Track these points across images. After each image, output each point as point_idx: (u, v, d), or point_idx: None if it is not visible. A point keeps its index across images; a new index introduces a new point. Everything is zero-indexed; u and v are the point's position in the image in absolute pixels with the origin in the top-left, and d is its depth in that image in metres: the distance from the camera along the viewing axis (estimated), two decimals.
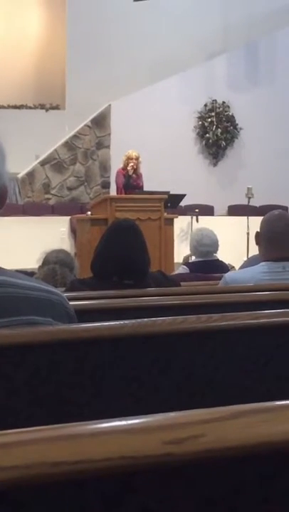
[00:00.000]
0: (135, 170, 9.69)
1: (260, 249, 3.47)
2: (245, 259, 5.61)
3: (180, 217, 9.77)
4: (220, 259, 5.53)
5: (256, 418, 0.82)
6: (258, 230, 3.45)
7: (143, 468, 0.76)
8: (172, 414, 0.81)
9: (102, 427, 0.79)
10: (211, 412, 0.82)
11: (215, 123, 14.18)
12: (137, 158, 9.75)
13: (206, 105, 14.26)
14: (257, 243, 3.48)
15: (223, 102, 14.26)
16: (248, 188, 12.03)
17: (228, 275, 3.58)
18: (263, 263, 3.37)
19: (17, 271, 1.78)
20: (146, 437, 0.77)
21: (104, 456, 0.74)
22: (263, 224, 3.43)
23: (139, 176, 9.80)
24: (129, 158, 9.74)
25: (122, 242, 3.24)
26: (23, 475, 0.72)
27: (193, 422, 0.80)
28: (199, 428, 0.78)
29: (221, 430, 0.79)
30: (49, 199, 13.68)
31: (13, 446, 0.74)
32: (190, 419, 0.80)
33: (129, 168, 9.65)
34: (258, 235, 3.44)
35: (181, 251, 10.17)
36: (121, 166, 9.94)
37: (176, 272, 5.97)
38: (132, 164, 9.64)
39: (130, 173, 9.62)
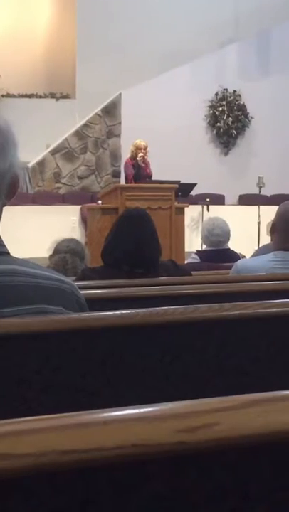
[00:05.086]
0: (144, 159, 9.67)
1: (273, 239, 3.46)
2: (256, 248, 5.60)
3: (191, 206, 9.76)
4: (231, 248, 5.52)
5: (269, 407, 0.81)
6: (273, 219, 3.44)
7: (155, 457, 0.76)
8: (185, 402, 0.81)
9: (114, 415, 0.78)
10: (224, 400, 0.82)
11: (226, 112, 14.14)
12: (146, 148, 9.72)
13: (216, 94, 14.22)
14: (271, 232, 3.46)
15: (234, 91, 14.21)
16: (259, 178, 12.00)
17: (239, 262, 3.58)
18: (276, 252, 3.36)
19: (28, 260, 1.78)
20: (158, 425, 0.76)
21: (116, 444, 0.74)
22: (279, 213, 3.40)
23: (147, 165, 9.78)
24: (137, 148, 9.70)
25: (132, 231, 3.24)
26: (34, 463, 0.72)
27: (206, 410, 0.79)
28: (212, 416, 0.78)
29: (233, 419, 0.79)
30: (59, 188, 13.68)
31: (25, 434, 0.74)
32: (203, 407, 0.80)
33: (138, 158, 9.61)
34: (273, 225, 3.43)
35: (192, 240, 10.17)
36: (128, 155, 9.91)
37: (187, 261, 5.97)
38: (141, 154, 9.61)
39: (140, 163, 9.59)
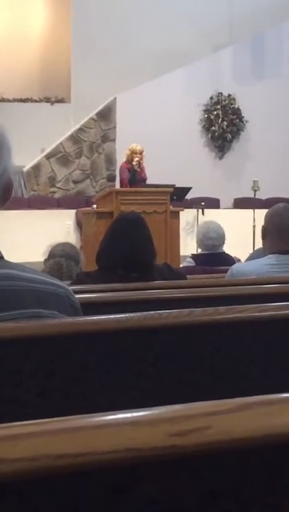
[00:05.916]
0: (139, 163, 9.69)
1: (265, 243, 3.44)
2: (252, 251, 5.60)
3: (186, 210, 9.76)
4: (226, 252, 5.52)
5: (262, 410, 0.81)
6: (263, 224, 3.42)
7: (148, 461, 0.76)
8: (177, 406, 0.81)
9: (107, 419, 0.78)
10: (217, 404, 0.82)
11: (221, 116, 14.15)
12: (141, 153, 9.74)
13: (211, 98, 14.23)
14: (263, 237, 3.45)
15: (229, 95, 14.23)
16: (254, 181, 12.01)
17: (234, 267, 3.57)
18: (271, 255, 3.34)
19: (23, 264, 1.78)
20: (151, 429, 0.77)
21: (109, 448, 0.74)
22: (268, 217, 3.39)
23: (142, 169, 9.80)
24: (133, 153, 9.72)
25: (127, 235, 3.24)
26: (28, 467, 0.72)
27: (198, 414, 0.80)
28: (204, 420, 0.78)
29: (226, 422, 0.79)
30: (54, 192, 13.68)
31: (19, 438, 0.74)
32: (195, 411, 0.80)
33: (134, 163, 9.63)
34: (264, 229, 3.41)
35: (187, 244, 10.17)
36: (124, 159, 9.92)
37: (182, 264, 5.97)
38: (137, 159, 9.62)
39: (135, 167, 9.61)
